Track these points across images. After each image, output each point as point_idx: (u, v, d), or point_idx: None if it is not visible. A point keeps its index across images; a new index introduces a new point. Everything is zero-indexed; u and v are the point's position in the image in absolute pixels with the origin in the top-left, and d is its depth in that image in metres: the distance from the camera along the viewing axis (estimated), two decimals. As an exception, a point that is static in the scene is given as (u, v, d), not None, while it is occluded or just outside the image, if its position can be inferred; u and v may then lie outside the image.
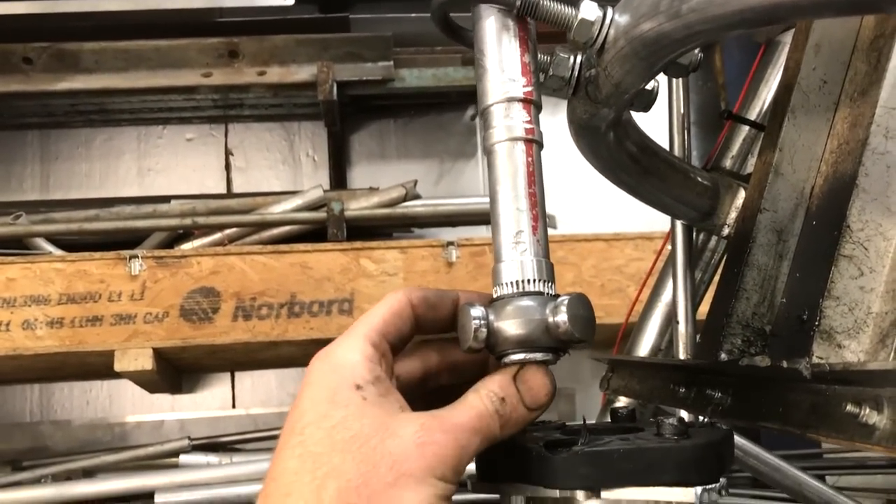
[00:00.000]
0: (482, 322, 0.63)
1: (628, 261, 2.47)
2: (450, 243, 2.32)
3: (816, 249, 0.74)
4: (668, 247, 1.10)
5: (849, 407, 0.57)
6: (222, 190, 2.85)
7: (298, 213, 2.47)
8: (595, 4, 0.67)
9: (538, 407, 0.64)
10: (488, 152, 0.68)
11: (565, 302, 0.62)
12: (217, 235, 2.51)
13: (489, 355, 0.68)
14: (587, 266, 2.44)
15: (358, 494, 0.56)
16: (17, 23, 2.47)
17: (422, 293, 0.67)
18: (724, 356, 0.78)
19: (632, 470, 0.59)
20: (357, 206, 2.48)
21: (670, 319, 1.10)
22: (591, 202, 2.83)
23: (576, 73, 0.74)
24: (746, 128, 1.06)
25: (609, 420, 0.75)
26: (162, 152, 2.87)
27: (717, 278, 1.00)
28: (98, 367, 2.33)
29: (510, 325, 0.62)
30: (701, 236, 1.11)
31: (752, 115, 1.08)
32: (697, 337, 0.99)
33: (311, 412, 0.60)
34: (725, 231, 0.98)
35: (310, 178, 2.84)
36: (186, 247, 2.48)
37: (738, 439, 1.25)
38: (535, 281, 0.64)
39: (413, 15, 2.74)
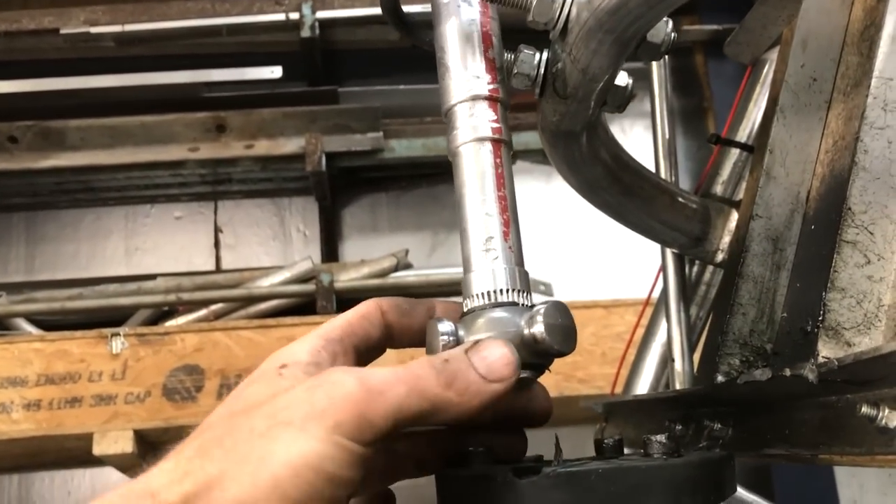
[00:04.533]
0: (451, 338, 0.55)
1: (629, 327, 2.37)
2: (443, 313, 2.25)
3: (817, 254, 0.66)
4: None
5: (864, 409, 0.48)
6: (211, 267, 2.78)
7: (286, 287, 2.40)
8: (554, -17, 0.62)
9: (496, 378, 0.52)
10: (453, 155, 0.62)
11: (541, 311, 0.54)
12: (203, 312, 2.43)
13: None
14: (586, 334, 2.35)
15: (220, 445, 0.46)
16: (2, 102, 2.46)
17: (393, 300, 0.60)
18: (720, 378, 0.69)
19: (613, 494, 0.50)
20: (347, 278, 2.41)
21: (666, 361, 1.02)
22: (589, 268, 2.76)
23: (541, 70, 0.68)
24: (736, 152, 1.00)
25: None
26: (150, 231, 2.81)
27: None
28: (78, 452, 2.22)
29: None
30: (695, 269, 1.03)
31: (741, 138, 1.01)
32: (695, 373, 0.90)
33: (228, 397, 0.52)
34: (719, 257, 0.91)
35: (301, 253, 2.78)
36: (171, 324, 2.41)
37: (749, 495, 1.14)
38: (508, 291, 0.57)
39: (402, 87, 2.73)
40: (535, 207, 2.79)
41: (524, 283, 0.58)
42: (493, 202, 0.59)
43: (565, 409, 2.30)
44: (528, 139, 2.63)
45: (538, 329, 0.54)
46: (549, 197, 2.78)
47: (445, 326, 0.56)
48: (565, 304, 0.56)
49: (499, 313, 0.55)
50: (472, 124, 0.61)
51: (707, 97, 3.04)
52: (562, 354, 0.55)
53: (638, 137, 2.84)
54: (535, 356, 0.55)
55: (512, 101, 0.69)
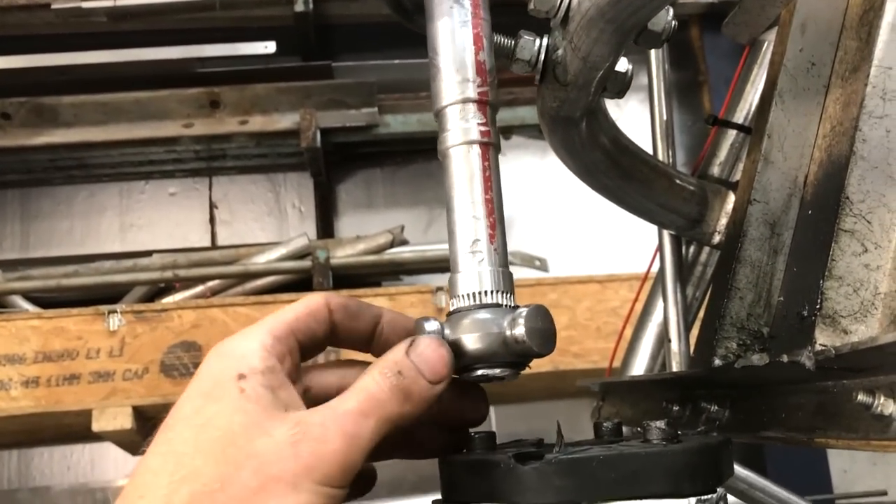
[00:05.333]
0: (438, 337, 0.59)
1: (623, 302, 2.39)
2: (439, 288, 2.26)
3: (814, 240, 0.67)
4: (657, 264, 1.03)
5: (860, 397, 0.49)
6: (207, 244, 2.79)
7: (282, 263, 2.40)
8: (555, -29, 0.62)
9: (439, 379, 0.56)
10: (443, 156, 0.65)
11: (523, 314, 0.58)
12: (199, 288, 2.44)
13: None
14: (582, 309, 2.37)
15: (213, 500, 0.48)
16: (-5, 78, 2.45)
17: (343, 300, 0.61)
18: (717, 362, 0.70)
19: (614, 480, 0.51)
20: (343, 254, 2.42)
21: (662, 340, 1.03)
22: (584, 244, 2.77)
23: (541, 55, 0.69)
24: (734, 133, 1.00)
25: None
26: (144, 207, 2.81)
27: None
28: (77, 428, 2.23)
29: (468, 340, 0.58)
30: (692, 249, 1.04)
31: (739, 119, 1.02)
32: (692, 354, 0.91)
33: (186, 406, 0.52)
34: (716, 239, 0.91)
35: (296, 229, 2.78)
36: (168, 301, 2.41)
37: (743, 471, 1.16)
38: (492, 292, 0.60)
39: (397, 61, 2.72)
40: (530, 183, 2.79)
41: (508, 284, 0.61)
42: (480, 205, 0.62)
43: (560, 383, 2.33)
44: (524, 114, 2.62)
45: (519, 331, 0.57)
46: (544, 172, 2.78)
47: (432, 325, 0.59)
48: (546, 308, 0.59)
49: (483, 314, 0.59)
50: (462, 127, 0.63)
51: (702, 71, 3.04)
52: (541, 356, 0.58)
53: (633, 111, 2.83)
54: (515, 356, 0.59)
55: (508, 76, 0.70)
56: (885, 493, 2.52)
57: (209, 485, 0.48)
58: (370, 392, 0.53)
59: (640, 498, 0.51)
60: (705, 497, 0.52)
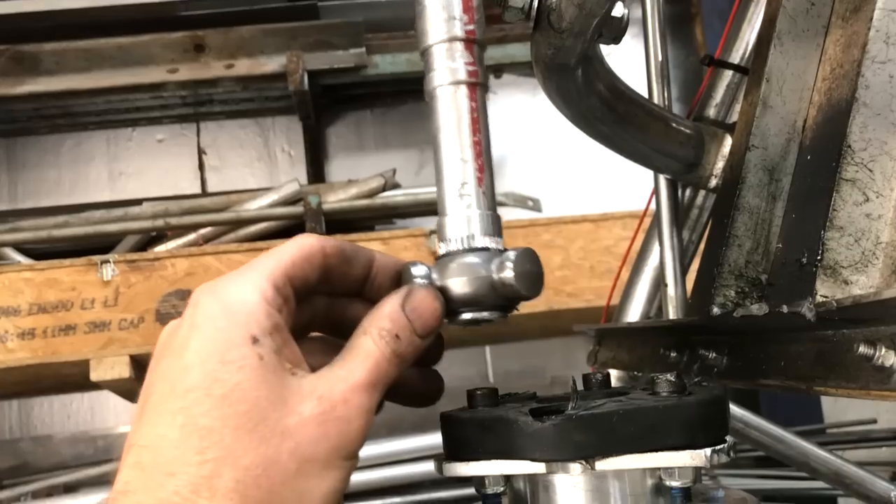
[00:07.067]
0: (425, 281, 0.59)
1: (617, 241, 2.39)
2: (432, 232, 2.25)
3: (813, 185, 0.66)
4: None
5: (861, 348, 0.49)
6: (197, 191, 2.77)
7: (274, 209, 2.39)
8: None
9: (429, 333, 0.57)
10: (430, 97, 0.63)
11: (511, 258, 0.58)
12: (192, 236, 2.42)
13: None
14: (575, 248, 2.37)
15: (258, 486, 0.48)
16: (-28, 26, 2.39)
17: (338, 243, 0.59)
18: (716, 310, 0.70)
19: (633, 434, 0.51)
20: (335, 199, 2.40)
21: (659, 284, 1.03)
22: (577, 183, 2.76)
23: (535, 2, 0.67)
24: (730, 73, 0.98)
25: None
26: (133, 155, 2.78)
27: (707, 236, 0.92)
28: (75, 378, 2.24)
29: (456, 284, 0.58)
30: (687, 192, 1.03)
31: (736, 59, 1.00)
32: (688, 299, 0.91)
33: (197, 371, 0.50)
34: (713, 183, 0.91)
35: (287, 174, 2.76)
36: (160, 249, 2.40)
37: (739, 410, 1.18)
38: (480, 236, 0.60)
39: (384, -1, 2.66)
40: (521, 122, 2.76)
41: (496, 227, 0.61)
42: (468, 148, 0.61)
43: (554, 322, 2.34)
44: (514, 52, 2.58)
45: (507, 275, 0.57)
46: (535, 110, 2.75)
47: (420, 269, 0.59)
48: (534, 251, 0.59)
49: (471, 258, 0.59)
50: (449, 67, 0.61)
51: (695, 3, 2.99)
52: (528, 298, 0.59)
53: (626, 44, 2.78)
54: (503, 299, 0.59)
55: (497, 11, 0.68)
56: (874, 422, 2.56)
57: (251, 469, 0.48)
58: (375, 360, 0.54)
59: (659, 451, 0.52)
60: (718, 447, 0.52)
